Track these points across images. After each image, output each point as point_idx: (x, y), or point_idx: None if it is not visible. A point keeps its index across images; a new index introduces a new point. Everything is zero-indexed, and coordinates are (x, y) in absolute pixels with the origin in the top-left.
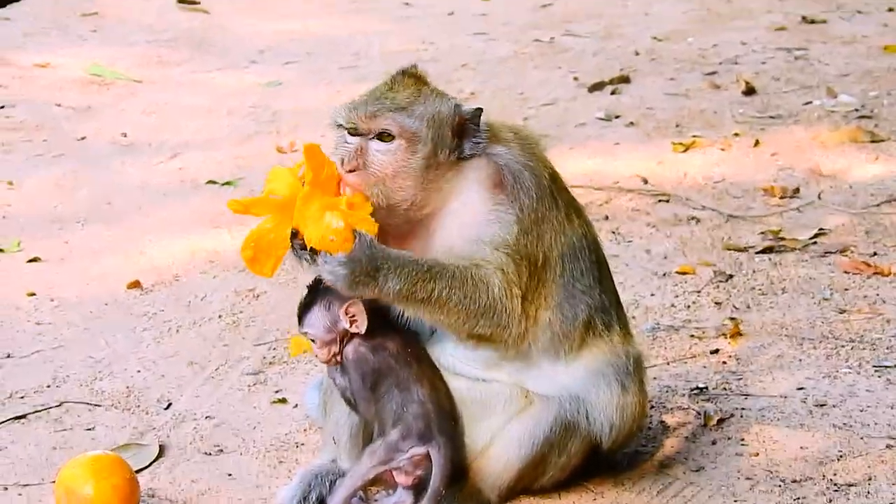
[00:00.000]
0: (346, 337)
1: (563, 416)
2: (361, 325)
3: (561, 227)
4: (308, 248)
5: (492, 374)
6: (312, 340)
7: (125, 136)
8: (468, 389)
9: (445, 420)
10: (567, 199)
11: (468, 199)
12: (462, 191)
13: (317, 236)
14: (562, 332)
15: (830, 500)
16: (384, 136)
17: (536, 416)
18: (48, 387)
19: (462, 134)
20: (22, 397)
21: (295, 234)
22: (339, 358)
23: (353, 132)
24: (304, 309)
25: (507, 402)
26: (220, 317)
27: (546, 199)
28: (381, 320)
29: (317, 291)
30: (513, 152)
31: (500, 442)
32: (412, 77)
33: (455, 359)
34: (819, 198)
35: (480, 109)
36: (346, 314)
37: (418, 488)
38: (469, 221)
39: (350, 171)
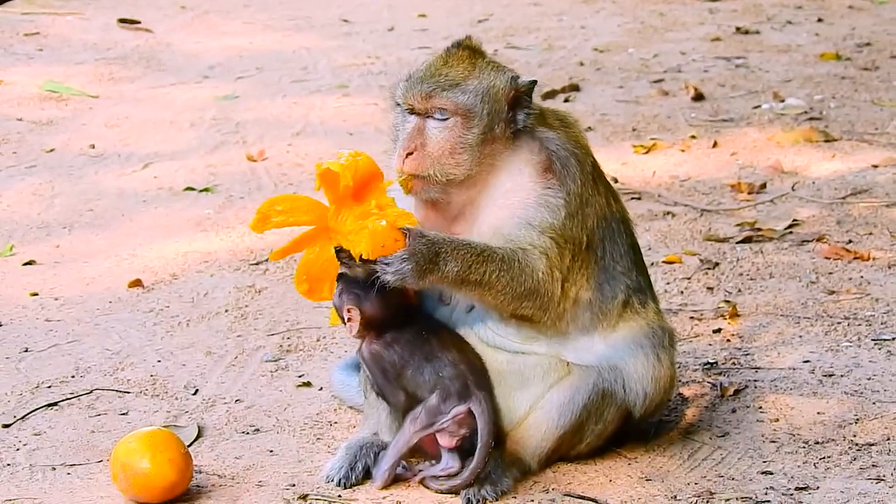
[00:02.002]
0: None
1: (600, 385)
2: (352, 330)
3: (602, 212)
4: (357, 259)
5: (531, 347)
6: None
7: (93, 147)
8: (508, 362)
9: (480, 376)
10: (605, 184)
11: (519, 181)
12: (513, 172)
13: (367, 248)
14: (601, 311)
15: (854, 459)
16: (439, 114)
17: (576, 384)
18: (73, 377)
19: (516, 105)
20: (49, 387)
21: (340, 250)
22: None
23: (411, 111)
24: (335, 283)
25: (547, 372)
26: (226, 311)
27: (589, 184)
28: (391, 319)
29: (342, 278)
30: (560, 139)
31: (540, 409)
32: (467, 49)
33: (495, 333)
34: (793, 189)
35: (535, 81)
36: (347, 311)
37: (462, 451)
38: (519, 203)
39: (408, 155)
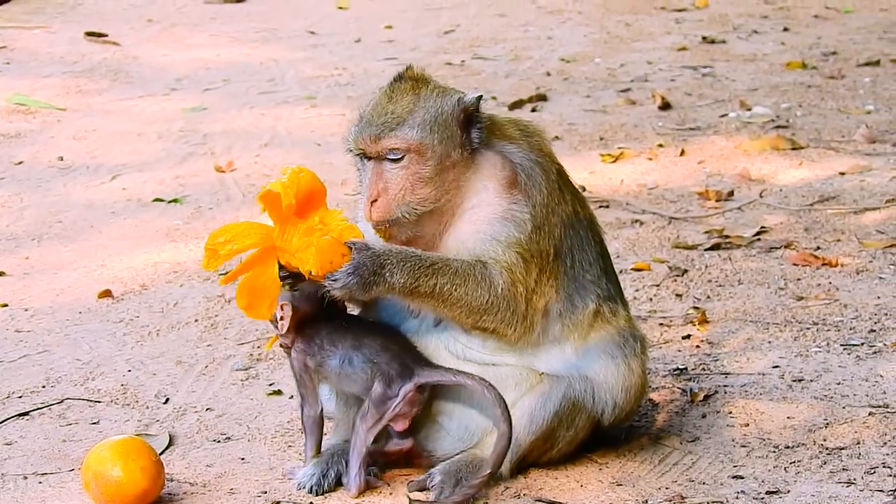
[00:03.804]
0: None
1: (571, 394)
2: (282, 327)
3: (569, 220)
4: (307, 275)
5: (501, 359)
6: None
7: (62, 159)
8: (479, 373)
9: (414, 352)
10: (572, 191)
11: (484, 197)
12: (479, 189)
13: (314, 266)
14: (572, 322)
15: (825, 463)
16: (392, 155)
17: (547, 392)
18: (43, 387)
19: (468, 125)
20: (20, 397)
21: (282, 268)
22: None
23: (365, 157)
24: (275, 302)
25: (518, 382)
26: (196, 321)
27: (555, 194)
28: (316, 316)
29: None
30: (523, 150)
31: (512, 417)
32: (410, 80)
33: (465, 346)
34: (761, 196)
35: (481, 96)
36: (281, 308)
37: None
38: (485, 219)
39: (373, 203)
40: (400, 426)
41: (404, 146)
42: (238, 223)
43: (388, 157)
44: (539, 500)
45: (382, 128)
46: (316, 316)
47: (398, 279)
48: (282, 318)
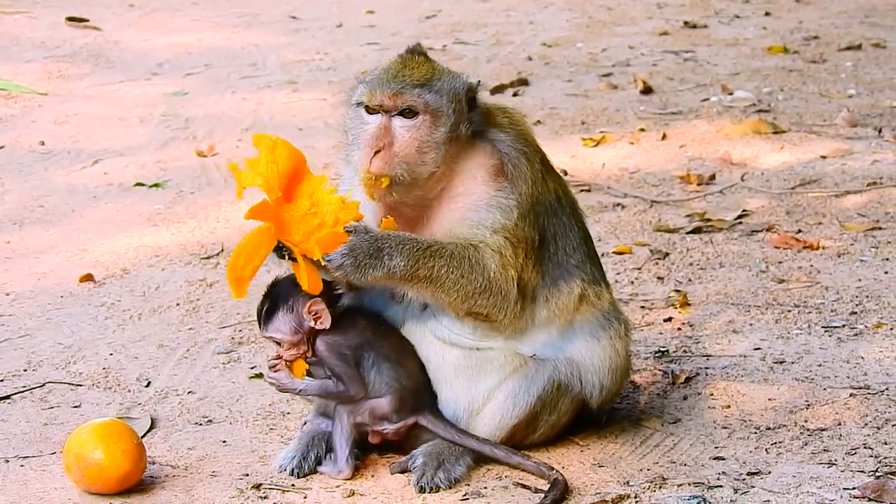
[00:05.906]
0: (312, 334)
1: (556, 377)
2: (326, 321)
3: (553, 208)
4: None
5: (487, 343)
6: (279, 343)
7: (43, 144)
8: (465, 357)
9: (432, 393)
10: (555, 178)
11: (471, 185)
12: (467, 177)
13: (316, 251)
14: (558, 307)
15: (806, 444)
16: (407, 113)
17: (531, 375)
18: (25, 370)
19: (471, 105)
20: (1, 380)
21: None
22: (308, 354)
23: (377, 110)
24: (267, 314)
25: (503, 365)
26: (177, 304)
27: (539, 182)
28: (344, 312)
29: (276, 295)
30: (510, 138)
31: (495, 399)
32: (422, 55)
33: (450, 331)
34: (742, 180)
35: (479, 81)
36: (310, 312)
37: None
38: (471, 206)
39: (376, 153)
40: (374, 440)
41: (423, 106)
42: (246, 239)
43: (403, 112)
44: (518, 484)
45: (404, 85)
46: (353, 310)
47: (398, 262)
48: (318, 315)
